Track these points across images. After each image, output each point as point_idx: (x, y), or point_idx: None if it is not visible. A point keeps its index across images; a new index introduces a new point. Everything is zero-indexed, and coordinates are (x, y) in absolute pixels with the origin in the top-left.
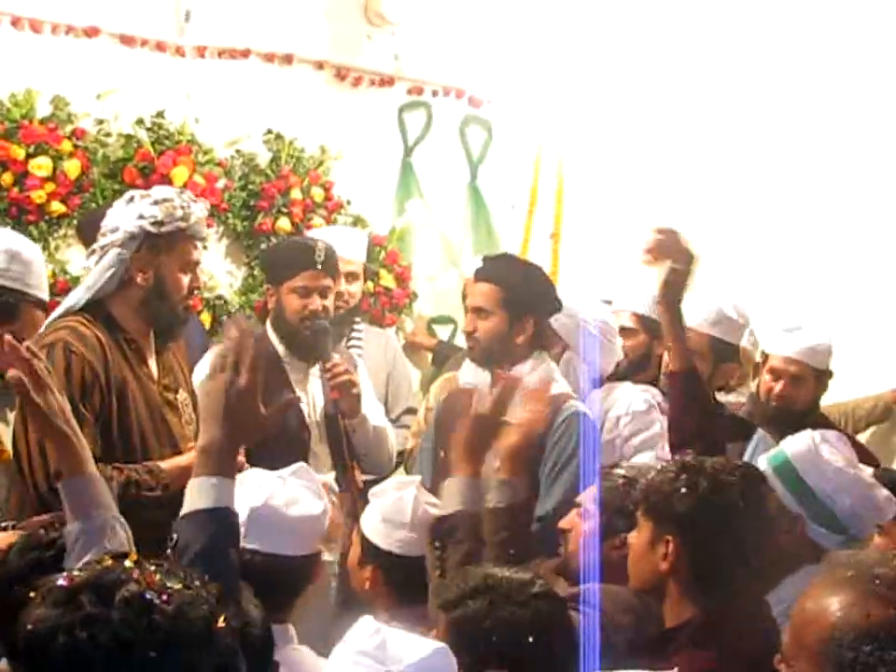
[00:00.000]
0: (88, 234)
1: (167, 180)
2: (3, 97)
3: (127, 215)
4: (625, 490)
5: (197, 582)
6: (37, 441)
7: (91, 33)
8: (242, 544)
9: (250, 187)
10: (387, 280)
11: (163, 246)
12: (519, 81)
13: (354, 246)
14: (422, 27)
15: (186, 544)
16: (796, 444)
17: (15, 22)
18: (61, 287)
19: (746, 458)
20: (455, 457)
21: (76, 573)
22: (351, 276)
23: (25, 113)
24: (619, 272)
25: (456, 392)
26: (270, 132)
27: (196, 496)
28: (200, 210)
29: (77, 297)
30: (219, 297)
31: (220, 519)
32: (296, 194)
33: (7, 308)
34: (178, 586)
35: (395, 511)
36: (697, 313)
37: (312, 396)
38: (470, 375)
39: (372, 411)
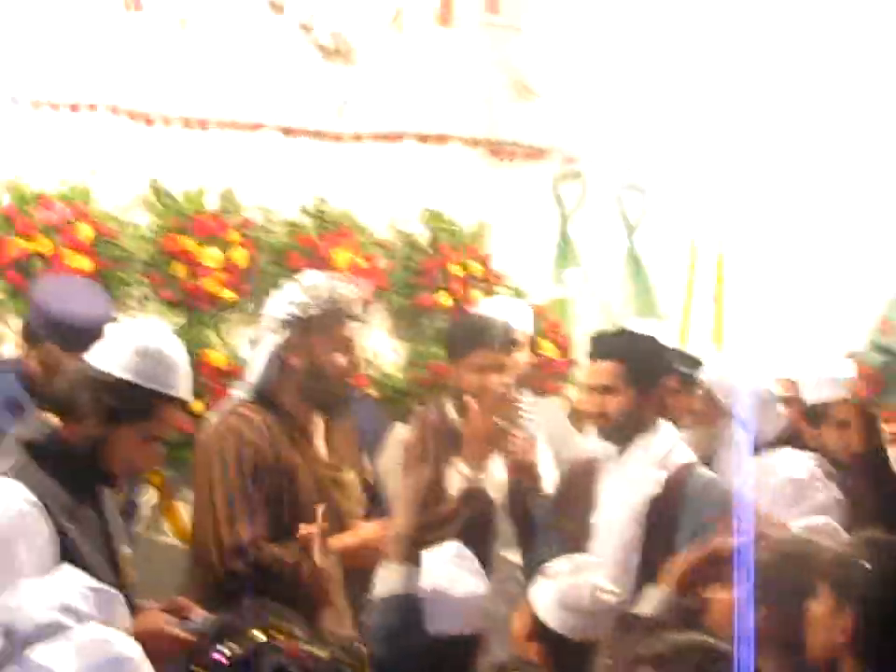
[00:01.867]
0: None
1: (329, 263)
2: (176, 194)
3: (279, 303)
4: (781, 560)
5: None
6: (213, 524)
7: (255, 127)
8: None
9: (410, 265)
10: (549, 349)
11: (314, 329)
12: (676, 145)
13: (522, 319)
14: (571, 97)
15: (377, 627)
16: None
17: (186, 123)
18: (233, 372)
19: None
20: (671, 574)
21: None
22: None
23: (197, 207)
24: (783, 338)
25: (580, 462)
26: (427, 210)
27: (387, 582)
28: (349, 291)
29: (243, 387)
30: (385, 374)
31: (409, 604)
32: (455, 269)
33: (146, 409)
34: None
35: (572, 596)
36: None
37: (491, 471)
38: (594, 445)
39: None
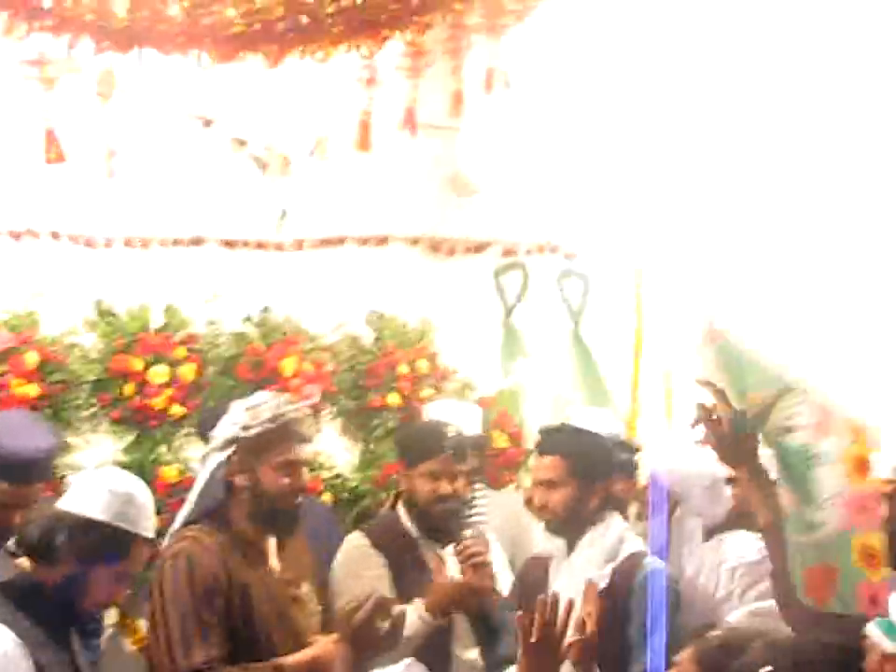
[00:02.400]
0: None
1: (277, 372)
2: (120, 312)
3: (225, 422)
4: (722, 654)
5: None
6: (167, 647)
7: (197, 242)
8: None
9: (358, 366)
10: (501, 441)
11: (256, 449)
12: (611, 230)
13: (471, 421)
14: (509, 190)
15: None
16: None
17: (127, 242)
18: (186, 485)
19: None
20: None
21: None
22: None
23: (141, 326)
24: None
25: (532, 561)
26: (372, 312)
27: None
28: (293, 409)
29: (188, 508)
30: (338, 475)
31: None
32: (403, 369)
33: (121, 548)
34: None
35: None
36: None
37: (449, 575)
38: (545, 542)
39: (508, 584)
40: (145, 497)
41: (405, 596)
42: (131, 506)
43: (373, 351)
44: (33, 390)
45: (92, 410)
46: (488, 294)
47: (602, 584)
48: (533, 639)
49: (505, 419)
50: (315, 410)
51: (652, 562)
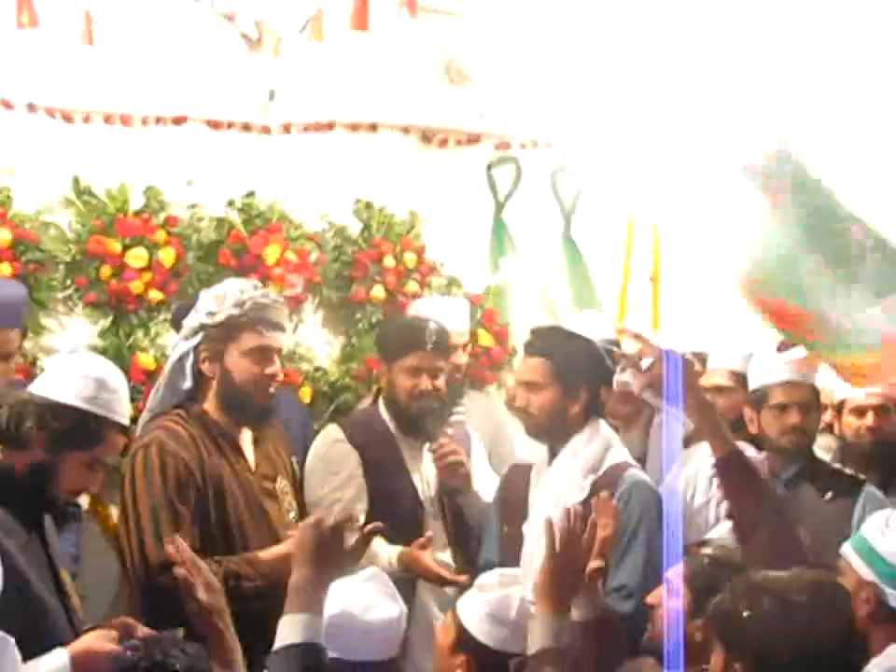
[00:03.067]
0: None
1: (260, 259)
2: (99, 192)
3: (192, 312)
4: (713, 570)
5: None
6: (138, 538)
7: (180, 121)
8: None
9: (343, 258)
10: (486, 340)
11: (222, 336)
12: (609, 126)
13: (459, 318)
14: (506, 82)
15: None
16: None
17: (107, 119)
18: (161, 373)
19: (854, 520)
20: (540, 594)
21: None
22: (455, 347)
23: (120, 206)
24: (716, 323)
25: (516, 467)
26: (359, 201)
27: (287, 632)
28: (262, 297)
29: (156, 397)
30: (318, 368)
31: (310, 653)
32: (388, 261)
33: (93, 434)
34: None
35: (501, 607)
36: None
37: (426, 473)
38: (527, 450)
39: (486, 483)
40: (118, 382)
41: (379, 493)
42: (103, 391)
43: (359, 242)
44: (5, 269)
45: (67, 292)
46: (479, 188)
47: (580, 497)
48: (558, 549)
49: (491, 317)
50: (297, 301)
51: (635, 474)
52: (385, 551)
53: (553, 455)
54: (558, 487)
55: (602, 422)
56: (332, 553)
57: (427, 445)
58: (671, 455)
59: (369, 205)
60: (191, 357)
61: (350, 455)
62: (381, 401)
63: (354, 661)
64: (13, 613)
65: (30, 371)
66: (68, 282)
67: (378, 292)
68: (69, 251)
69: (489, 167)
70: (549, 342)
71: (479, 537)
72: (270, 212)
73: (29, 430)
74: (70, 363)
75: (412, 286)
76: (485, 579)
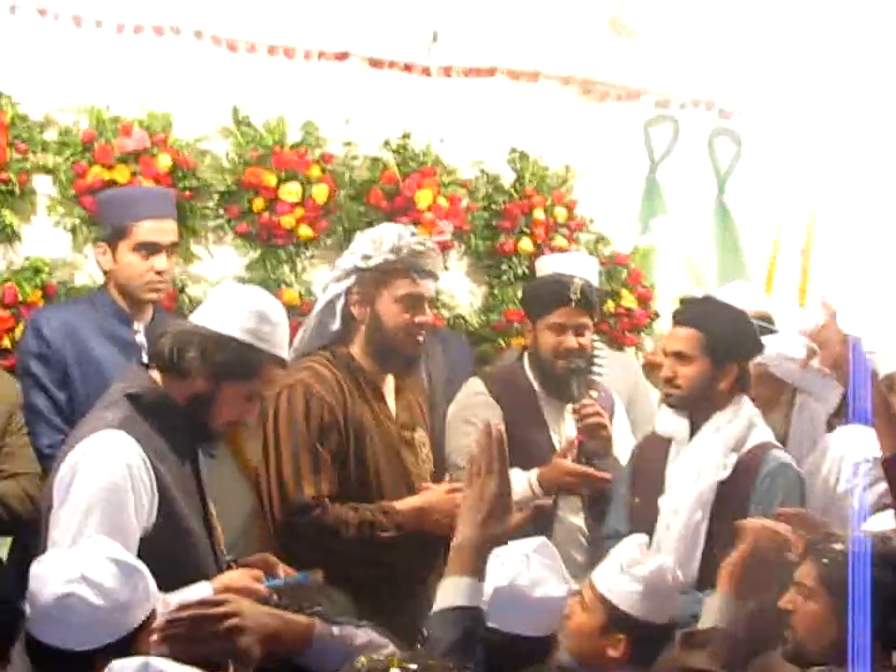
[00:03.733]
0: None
1: (411, 202)
2: (257, 124)
3: (346, 253)
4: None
5: None
6: (278, 479)
7: (342, 57)
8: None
9: (493, 207)
10: (629, 301)
11: (375, 281)
12: (771, 90)
13: (587, 274)
14: (669, 37)
15: (438, 639)
16: None
17: (271, 50)
18: (307, 309)
19: None
20: (724, 576)
21: None
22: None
23: (277, 139)
24: (868, 304)
25: (652, 438)
26: (514, 150)
27: (451, 593)
28: (418, 244)
29: (303, 337)
30: (459, 316)
31: (470, 619)
32: (538, 214)
33: (253, 367)
34: None
35: (657, 581)
36: None
37: (565, 433)
38: (667, 422)
39: (626, 449)
40: (279, 316)
41: (517, 451)
42: (265, 324)
43: (511, 192)
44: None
45: (219, 221)
46: (635, 145)
47: (723, 475)
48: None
49: (636, 278)
50: (444, 247)
51: (780, 455)
52: (524, 475)
53: (693, 429)
54: (699, 463)
55: (747, 399)
56: (499, 518)
57: (569, 405)
58: (813, 439)
59: (523, 155)
60: (343, 300)
61: (492, 407)
62: (525, 358)
63: (513, 633)
64: (163, 542)
65: (177, 298)
66: (221, 211)
67: (526, 244)
68: (224, 181)
69: (647, 125)
70: (702, 312)
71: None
72: (424, 155)
73: (191, 360)
74: (233, 295)
75: (559, 240)
76: (627, 554)
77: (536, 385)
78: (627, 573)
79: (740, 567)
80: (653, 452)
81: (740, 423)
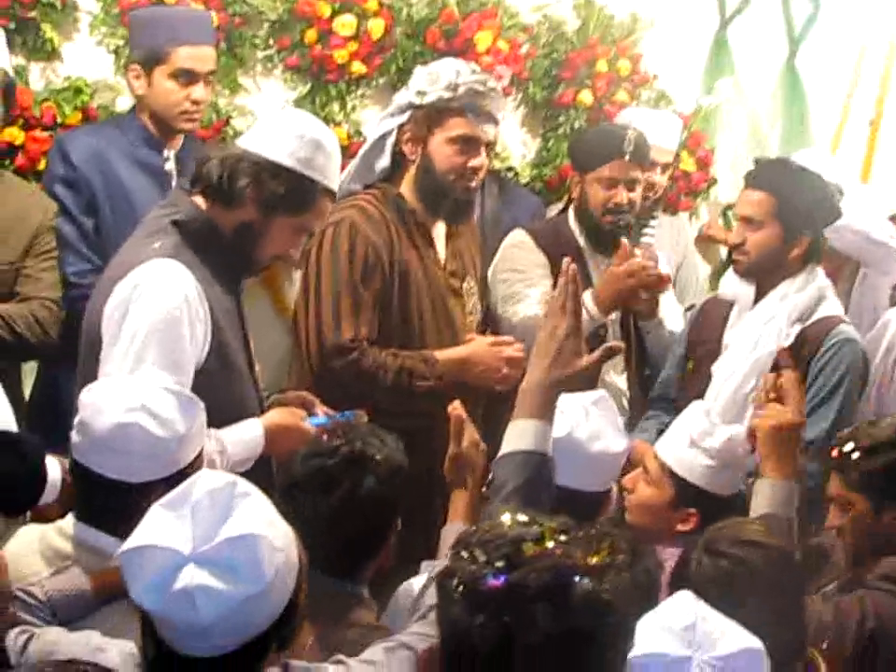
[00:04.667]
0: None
1: (470, 44)
2: None
3: (404, 88)
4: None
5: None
6: (316, 319)
7: None
8: None
9: (554, 55)
10: (687, 164)
11: (430, 119)
12: None
13: (669, 135)
14: None
15: (502, 483)
16: None
17: None
18: (354, 149)
19: None
20: (766, 458)
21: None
22: (662, 167)
23: None
24: None
25: (715, 301)
26: None
27: (517, 437)
28: (478, 83)
29: (350, 171)
30: (511, 168)
31: (537, 463)
32: (601, 66)
33: (306, 198)
34: (607, 559)
35: (727, 452)
36: None
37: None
38: (733, 286)
39: (671, 314)
40: (333, 145)
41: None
42: (319, 153)
43: (573, 41)
44: (212, 17)
45: (269, 52)
46: (707, 1)
47: (786, 343)
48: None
49: (697, 140)
50: (503, 94)
51: (847, 330)
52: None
53: (759, 295)
54: (760, 330)
55: (820, 270)
56: (569, 360)
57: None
58: (874, 314)
59: (589, 2)
60: (393, 137)
61: (538, 255)
62: (570, 212)
63: (567, 486)
64: (213, 374)
65: (222, 130)
66: (271, 41)
67: (585, 97)
68: (276, 8)
69: None
70: (777, 175)
71: (655, 365)
72: None
73: (242, 189)
74: (286, 121)
75: (621, 95)
76: (695, 424)
77: (581, 241)
78: (698, 446)
79: (785, 446)
80: (714, 316)
81: (809, 293)
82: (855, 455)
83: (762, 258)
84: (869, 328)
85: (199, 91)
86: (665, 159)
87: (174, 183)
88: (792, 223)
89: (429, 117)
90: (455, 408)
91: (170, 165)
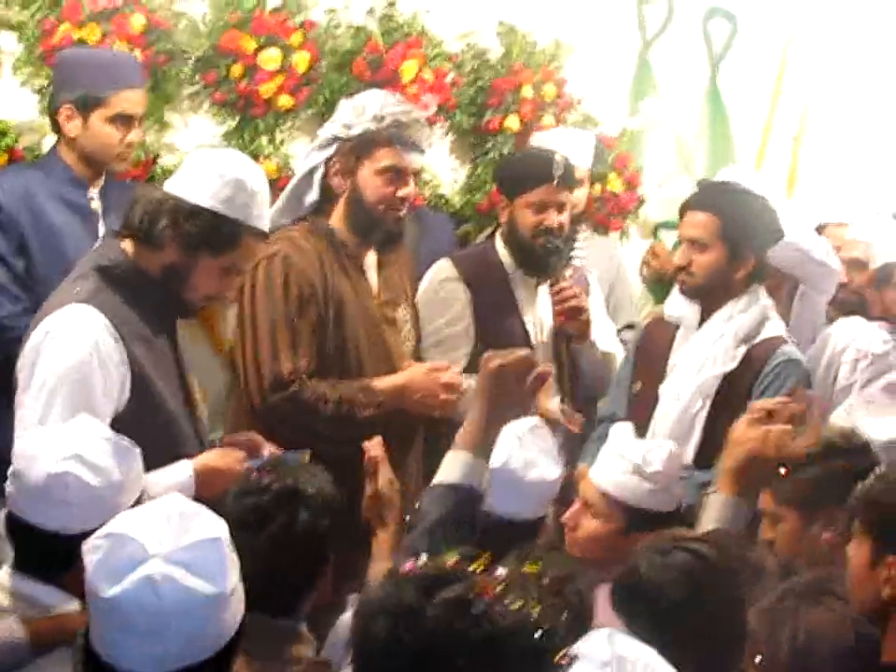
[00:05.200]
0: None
1: (395, 74)
2: None
3: (328, 122)
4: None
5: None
6: (254, 354)
7: None
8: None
9: (479, 83)
10: (615, 185)
11: (357, 151)
12: None
13: (582, 151)
14: None
15: (426, 513)
16: None
17: None
18: (283, 183)
19: None
20: (727, 472)
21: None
22: (577, 183)
23: (256, 3)
24: (859, 187)
25: (659, 323)
26: (503, 24)
27: (449, 469)
28: (402, 113)
29: (280, 206)
30: (441, 196)
31: (464, 497)
32: (527, 91)
33: (227, 238)
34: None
35: (669, 470)
36: None
37: (539, 315)
38: (678, 308)
39: (603, 333)
40: (258, 184)
41: (488, 334)
42: (241, 193)
43: (498, 68)
44: (136, 56)
45: (195, 88)
46: (628, 23)
47: (731, 366)
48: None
49: (624, 161)
50: (429, 122)
51: (791, 350)
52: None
53: (704, 316)
54: (706, 351)
55: (762, 290)
56: (509, 394)
57: (544, 287)
58: (813, 332)
59: (512, 29)
60: (321, 170)
61: (460, 291)
62: (497, 238)
63: (503, 514)
64: (139, 420)
65: (150, 168)
66: (197, 77)
67: (512, 122)
68: (201, 45)
69: (641, 2)
70: (720, 197)
71: (589, 387)
72: (409, 26)
73: (162, 230)
74: (207, 161)
75: (547, 119)
76: (630, 451)
77: (508, 266)
78: (641, 472)
79: (743, 465)
80: (658, 337)
81: (753, 314)
82: (783, 470)
83: (707, 279)
84: (807, 344)
85: (135, 134)
86: (580, 175)
87: (99, 222)
88: (737, 244)
89: (357, 149)
90: (371, 447)
91: (95, 204)
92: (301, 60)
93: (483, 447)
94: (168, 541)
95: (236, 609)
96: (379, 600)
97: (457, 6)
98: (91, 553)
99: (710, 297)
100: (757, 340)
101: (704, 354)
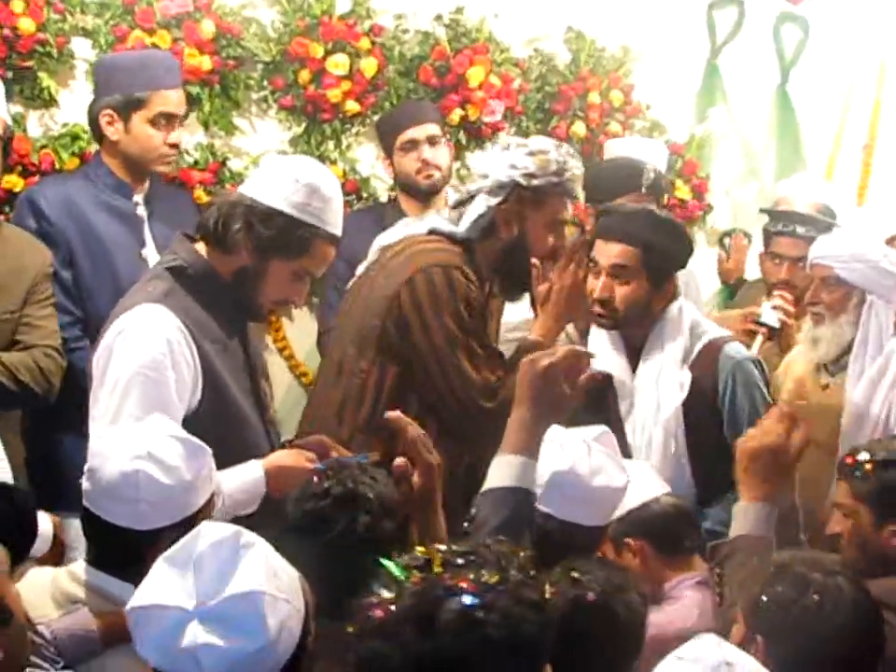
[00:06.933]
0: (383, 134)
1: (463, 80)
2: None
3: (500, 163)
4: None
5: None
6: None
7: None
8: (537, 505)
9: (547, 88)
10: (683, 192)
11: (532, 200)
12: None
13: (659, 160)
14: None
15: (484, 520)
16: None
17: None
18: (350, 188)
19: None
20: (741, 482)
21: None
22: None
23: (326, 9)
24: None
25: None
26: (570, 29)
27: (500, 473)
28: (577, 168)
29: (441, 224)
30: None
31: (520, 500)
32: (594, 97)
33: (300, 242)
34: (496, 578)
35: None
36: None
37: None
38: (602, 359)
39: None
40: (332, 190)
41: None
42: (315, 198)
43: (565, 74)
44: (205, 62)
45: (263, 93)
46: (698, 28)
47: (682, 396)
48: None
49: (691, 168)
50: (495, 129)
51: (730, 351)
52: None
53: (630, 347)
54: (656, 390)
55: (676, 301)
56: (553, 394)
57: None
58: (880, 343)
59: (580, 35)
60: (489, 214)
61: None
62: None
63: (565, 520)
64: (211, 419)
65: (219, 172)
66: (265, 83)
67: (579, 128)
68: (269, 50)
69: (711, 7)
70: (640, 226)
71: None
72: (477, 31)
73: (236, 234)
74: (283, 166)
75: (614, 126)
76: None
77: None
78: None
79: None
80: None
81: (684, 332)
82: (868, 466)
83: (629, 310)
84: (875, 355)
85: (178, 134)
86: None
87: (145, 227)
88: (658, 271)
89: (531, 199)
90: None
91: (140, 210)
92: (368, 65)
93: (532, 450)
94: (204, 595)
95: (287, 641)
96: (382, 651)
97: (525, 11)
98: (132, 623)
99: (632, 326)
100: (695, 353)
101: (655, 394)
